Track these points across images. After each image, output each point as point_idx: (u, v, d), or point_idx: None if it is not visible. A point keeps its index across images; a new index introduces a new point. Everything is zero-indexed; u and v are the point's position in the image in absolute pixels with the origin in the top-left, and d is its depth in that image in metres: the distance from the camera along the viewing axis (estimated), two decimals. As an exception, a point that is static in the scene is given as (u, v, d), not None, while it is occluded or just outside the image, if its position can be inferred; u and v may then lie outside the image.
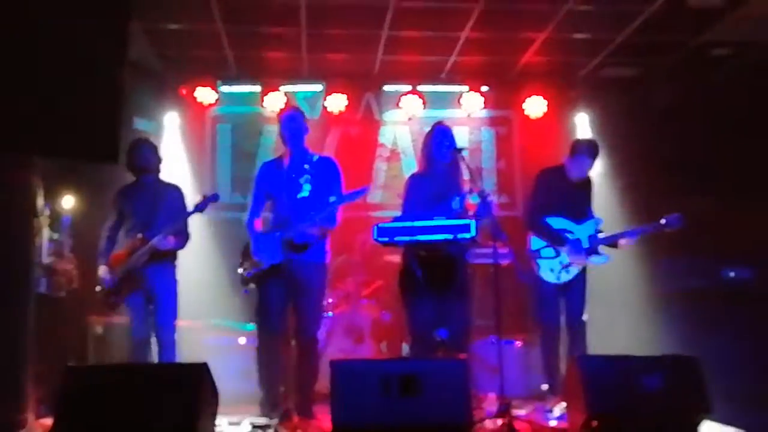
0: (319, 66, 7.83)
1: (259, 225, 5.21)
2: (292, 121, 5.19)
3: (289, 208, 5.05)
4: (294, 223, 4.97)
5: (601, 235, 5.60)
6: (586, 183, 5.77)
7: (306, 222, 4.93)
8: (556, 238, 5.54)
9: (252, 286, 5.09)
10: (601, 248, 5.61)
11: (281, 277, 4.95)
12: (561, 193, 5.65)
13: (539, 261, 5.55)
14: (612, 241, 5.60)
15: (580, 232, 5.59)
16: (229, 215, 7.54)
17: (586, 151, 5.64)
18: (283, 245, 4.94)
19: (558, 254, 5.54)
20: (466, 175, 5.17)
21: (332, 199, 4.94)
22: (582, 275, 5.59)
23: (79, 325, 6.26)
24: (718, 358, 5.04)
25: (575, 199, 5.67)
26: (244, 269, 5.10)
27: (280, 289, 4.99)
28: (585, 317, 5.60)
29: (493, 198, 5.08)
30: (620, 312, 6.95)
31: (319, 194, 5.06)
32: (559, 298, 5.57)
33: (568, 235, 5.55)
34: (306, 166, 5.16)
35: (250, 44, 7.30)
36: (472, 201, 5.09)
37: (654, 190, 6.93)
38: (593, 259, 5.56)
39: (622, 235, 5.60)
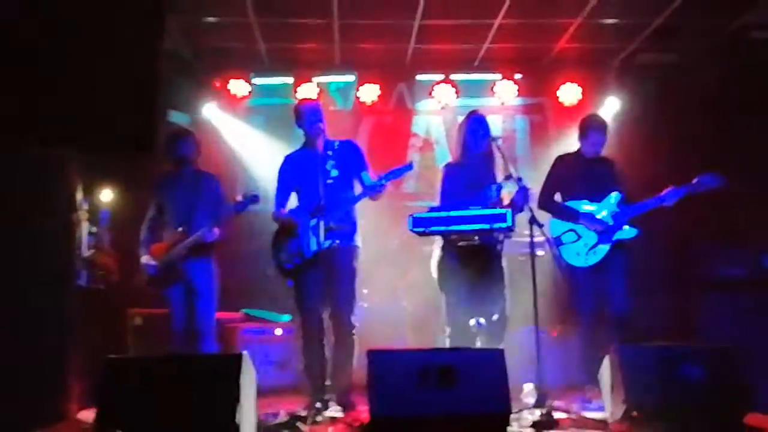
0: (352, 56, 7.84)
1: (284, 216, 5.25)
2: (313, 113, 5.22)
3: (321, 194, 5.01)
4: (329, 207, 5.00)
5: (623, 208, 5.41)
6: (605, 162, 5.63)
7: (342, 205, 5.03)
8: (569, 213, 5.44)
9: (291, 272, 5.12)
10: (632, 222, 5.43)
11: (319, 264, 4.97)
12: (577, 176, 5.54)
13: (562, 247, 5.43)
14: (638, 213, 5.40)
15: (600, 210, 5.44)
16: (261, 207, 7.54)
17: (592, 127, 5.56)
18: (323, 230, 4.96)
19: (580, 237, 5.42)
20: (501, 164, 5.13)
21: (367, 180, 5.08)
22: (615, 256, 5.38)
23: (119, 317, 6.34)
24: (760, 348, 4.97)
25: (593, 179, 5.51)
26: (284, 261, 5.12)
27: (318, 277, 4.97)
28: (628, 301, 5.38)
29: (530, 187, 4.99)
30: (658, 300, 6.85)
31: (346, 176, 5.18)
32: (595, 282, 5.40)
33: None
34: (329, 152, 5.21)
35: (282, 36, 7.32)
36: (508, 190, 5.05)
37: (690, 177, 6.81)
38: (619, 234, 5.38)
39: (647, 204, 5.38)
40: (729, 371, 4.28)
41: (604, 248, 5.39)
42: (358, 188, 5.22)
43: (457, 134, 5.39)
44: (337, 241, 5.04)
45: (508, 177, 4.96)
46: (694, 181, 5.31)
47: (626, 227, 5.41)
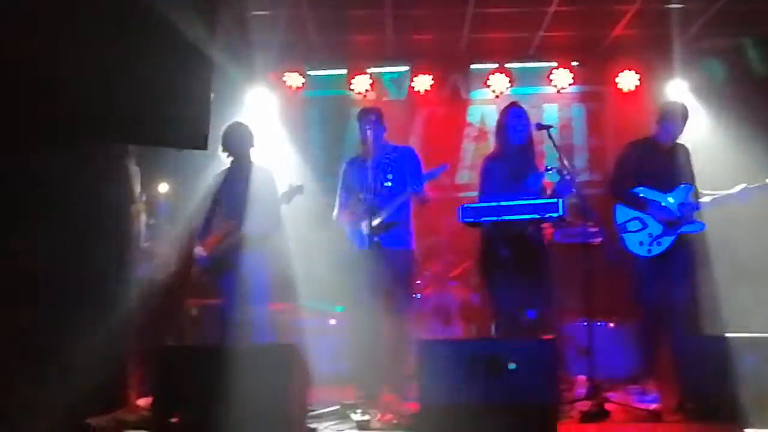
0: (405, 47, 7.83)
1: (346, 217, 5.47)
2: (375, 124, 5.40)
3: (376, 197, 5.24)
4: (381, 206, 5.18)
5: (692, 202, 5.26)
6: (679, 150, 5.44)
7: (392, 200, 5.19)
8: (638, 203, 5.29)
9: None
10: (703, 215, 5.28)
11: (375, 262, 5.05)
12: (648, 164, 5.38)
13: (626, 235, 5.30)
14: (709, 207, 5.25)
15: (669, 200, 5.28)
16: (318, 198, 7.61)
17: (673, 114, 5.38)
18: (374, 229, 5.08)
19: (645, 226, 5.27)
20: (552, 152, 5.08)
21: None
22: (680, 249, 5.23)
23: (177, 306, 6.47)
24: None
25: (664, 168, 5.36)
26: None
27: (373, 274, 5.06)
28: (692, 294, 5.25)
29: (575, 175, 4.91)
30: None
31: (402, 182, 5.30)
32: (657, 273, 5.24)
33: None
34: (387, 159, 5.42)
35: (335, 28, 7.36)
36: (550, 179, 5.00)
37: (751, 165, 6.58)
38: (685, 227, 5.22)
39: (717, 200, 5.24)
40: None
41: (669, 240, 5.24)
42: None
43: (497, 127, 5.37)
44: (383, 244, 5.14)
45: (549, 168, 4.92)
46: None
47: (694, 221, 5.25)
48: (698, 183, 5.38)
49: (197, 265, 5.62)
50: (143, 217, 5.71)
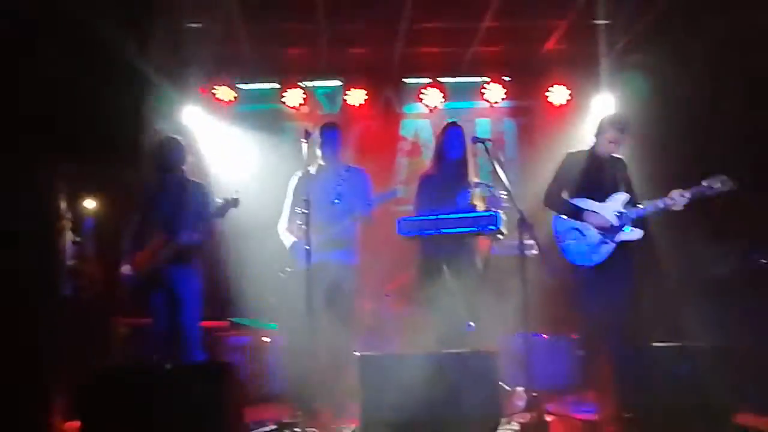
0: (338, 61, 7.80)
1: (291, 231, 5.45)
2: (334, 139, 5.51)
3: (324, 213, 5.24)
4: (327, 225, 5.20)
5: (629, 210, 5.29)
6: (616, 162, 5.49)
7: (338, 220, 5.21)
8: (576, 213, 5.32)
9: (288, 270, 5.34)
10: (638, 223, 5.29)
11: (317, 277, 4.98)
12: (586, 174, 5.41)
13: (565, 245, 5.33)
14: (644, 214, 5.27)
15: (606, 210, 5.31)
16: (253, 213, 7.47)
17: (611, 126, 5.41)
18: (318, 246, 5.01)
19: (584, 236, 5.30)
20: (486, 167, 5.12)
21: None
22: (619, 257, 5.25)
23: (104, 326, 6.26)
24: (750, 348, 4.93)
25: (601, 179, 5.40)
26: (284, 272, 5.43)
27: (315, 290, 4.98)
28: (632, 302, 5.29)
29: (510, 189, 4.90)
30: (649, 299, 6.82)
31: (351, 202, 5.32)
32: (597, 282, 5.24)
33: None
34: (339, 177, 5.45)
35: (268, 41, 7.29)
36: (483, 194, 5.03)
37: (678, 174, 6.75)
38: (622, 235, 5.26)
39: (654, 206, 5.21)
40: (721, 371, 4.24)
41: (608, 249, 5.27)
42: None
43: (435, 145, 5.51)
44: (329, 259, 5.18)
45: (479, 183, 4.96)
46: (704, 183, 5.10)
47: (631, 228, 5.28)
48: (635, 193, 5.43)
49: (125, 284, 5.42)
50: (68, 234, 5.52)
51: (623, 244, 5.27)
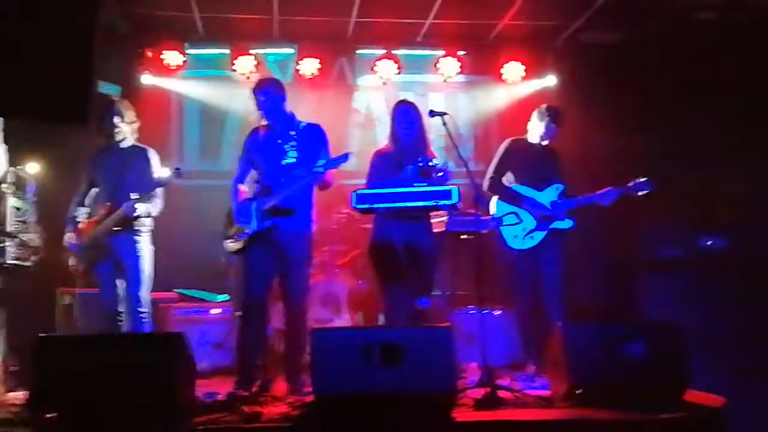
0: (291, 28, 7.62)
1: (242, 192, 5.12)
2: (266, 96, 5.02)
3: (274, 174, 4.95)
4: (277, 189, 4.88)
5: (563, 200, 5.60)
6: (550, 151, 5.79)
7: (290, 185, 4.83)
8: (514, 197, 5.59)
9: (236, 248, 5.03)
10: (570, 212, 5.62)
11: (266, 246, 4.88)
12: (523, 162, 5.69)
13: (502, 228, 5.58)
14: (576, 206, 5.59)
15: (542, 198, 5.62)
16: (197, 183, 7.33)
17: (545, 117, 5.68)
18: (267, 212, 4.86)
19: (521, 220, 5.56)
20: (440, 142, 5.09)
21: (320, 163, 4.78)
22: (550, 244, 5.56)
23: (47, 295, 6.08)
24: (698, 328, 5.05)
25: (537, 167, 5.69)
26: (230, 237, 5.03)
27: (264, 259, 4.91)
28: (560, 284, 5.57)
29: (467, 163, 4.89)
30: (600, 281, 6.94)
31: (306, 160, 4.92)
32: (528, 265, 5.56)
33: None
34: (292, 133, 5.05)
35: (219, 6, 7.07)
36: (433, 167, 4.95)
37: (626, 156, 6.85)
38: (556, 224, 5.55)
39: (586, 199, 5.59)
40: (671, 350, 4.34)
41: (540, 235, 5.56)
42: None
43: (389, 122, 5.36)
44: (278, 227, 4.87)
45: (425, 160, 4.90)
46: (631, 184, 5.55)
47: (564, 218, 5.58)
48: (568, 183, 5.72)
49: (70, 252, 5.28)
50: (11, 199, 5.32)
51: (555, 232, 5.58)
